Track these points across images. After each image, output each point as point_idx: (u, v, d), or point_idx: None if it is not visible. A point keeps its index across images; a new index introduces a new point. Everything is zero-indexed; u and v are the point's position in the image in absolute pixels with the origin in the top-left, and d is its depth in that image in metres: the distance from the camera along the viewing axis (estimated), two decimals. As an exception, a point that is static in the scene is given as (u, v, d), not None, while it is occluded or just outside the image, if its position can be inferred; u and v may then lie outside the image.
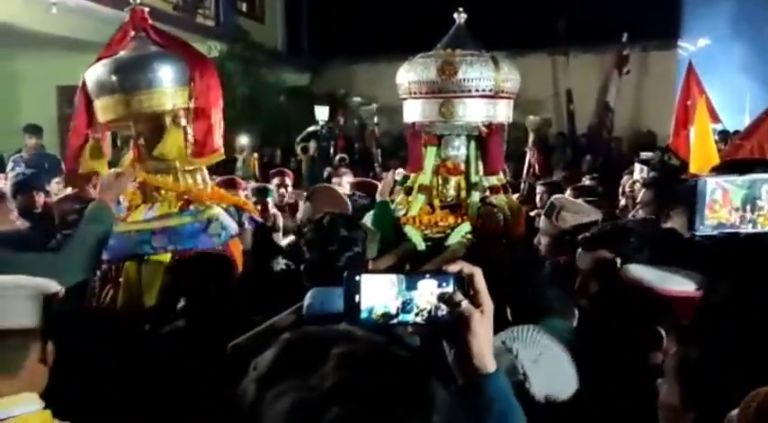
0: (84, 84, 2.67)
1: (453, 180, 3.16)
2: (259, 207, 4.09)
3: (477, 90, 3.04)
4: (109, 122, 2.67)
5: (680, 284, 1.75)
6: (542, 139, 8.98)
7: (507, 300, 1.93)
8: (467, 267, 1.07)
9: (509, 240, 3.10)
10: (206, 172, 2.79)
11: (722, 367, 1.11)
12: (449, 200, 3.16)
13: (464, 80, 3.04)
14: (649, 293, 1.73)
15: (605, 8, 9.87)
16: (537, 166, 7.91)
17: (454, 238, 3.02)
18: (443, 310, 1.06)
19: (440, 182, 3.18)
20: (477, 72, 3.06)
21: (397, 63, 3.67)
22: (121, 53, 2.65)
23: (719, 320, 1.46)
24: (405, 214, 3.15)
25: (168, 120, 2.61)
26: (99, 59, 2.68)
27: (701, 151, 4.96)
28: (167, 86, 2.59)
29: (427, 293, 1.06)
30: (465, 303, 1.04)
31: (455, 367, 1.05)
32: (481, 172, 3.20)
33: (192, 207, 2.62)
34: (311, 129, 8.62)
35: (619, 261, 2.06)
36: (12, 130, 9.66)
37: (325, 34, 12.10)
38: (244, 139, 8.74)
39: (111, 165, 2.85)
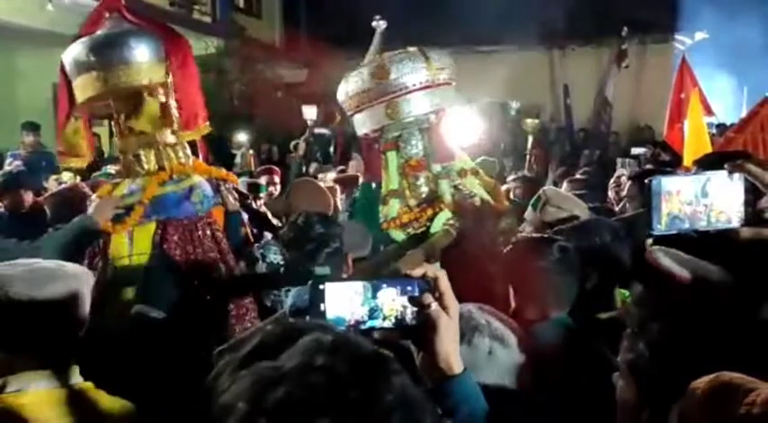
0: (62, 66, 2.71)
1: (422, 176, 3.18)
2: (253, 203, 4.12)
3: (413, 84, 3.07)
4: (88, 100, 2.70)
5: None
6: (542, 136, 9.06)
7: None
8: (430, 271, 1.08)
9: (496, 215, 3.12)
10: (187, 147, 2.81)
11: (675, 363, 1.13)
12: (423, 196, 3.18)
13: (399, 78, 3.06)
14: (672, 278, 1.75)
15: (602, 3, 9.88)
16: (534, 160, 7.98)
17: (436, 227, 3.02)
18: (409, 314, 1.07)
19: (409, 182, 3.20)
20: (408, 68, 3.08)
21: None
22: (97, 32, 2.70)
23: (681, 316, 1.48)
24: (385, 221, 3.16)
25: (145, 94, 2.66)
26: (76, 39, 2.72)
27: (695, 144, 4.98)
28: (143, 61, 2.63)
29: (393, 298, 1.07)
30: (434, 305, 1.05)
31: (423, 370, 1.07)
32: (436, 161, 3.20)
33: (174, 176, 2.67)
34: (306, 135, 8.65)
35: (650, 242, 2.09)
36: (10, 128, 9.70)
37: (322, 30, 12.09)
38: (241, 136, 8.75)
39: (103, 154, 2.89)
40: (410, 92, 3.04)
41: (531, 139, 8.12)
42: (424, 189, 3.18)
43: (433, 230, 3.03)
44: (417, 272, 1.07)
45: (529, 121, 8.47)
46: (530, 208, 3.12)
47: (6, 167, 6.38)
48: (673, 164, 5.71)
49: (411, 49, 3.20)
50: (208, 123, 2.88)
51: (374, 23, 3.56)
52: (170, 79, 2.70)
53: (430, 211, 3.06)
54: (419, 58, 3.10)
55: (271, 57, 11.54)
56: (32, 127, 7.76)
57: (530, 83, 11.08)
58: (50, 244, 2.48)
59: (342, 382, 0.74)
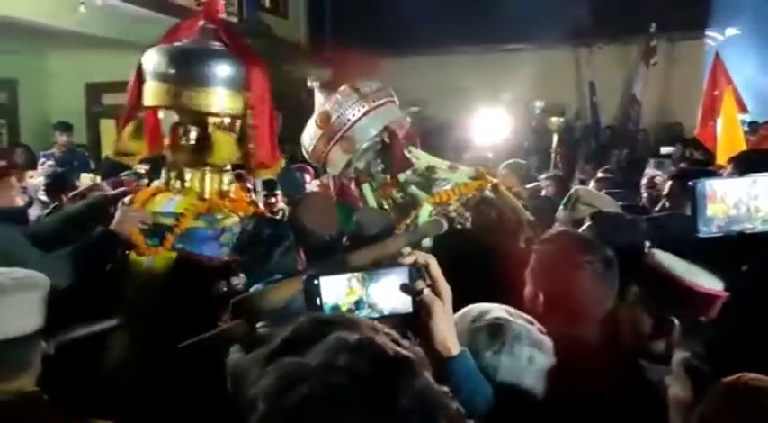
0: (140, 65, 2.65)
1: (394, 191, 3.33)
2: (271, 199, 4.19)
3: (354, 116, 3.24)
4: (154, 107, 2.65)
5: (707, 281, 1.74)
6: (567, 135, 9.00)
7: None
8: (421, 257, 1.12)
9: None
10: (231, 174, 2.77)
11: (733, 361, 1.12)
12: (401, 202, 3.32)
13: (340, 117, 3.24)
14: (672, 282, 1.73)
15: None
16: (560, 158, 7.93)
17: (423, 219, 3.11)
18: (404, 301, 1.10)
19: (389, 201, 3.36)
20: (344, 105, 3.26)
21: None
22: (183, 42, 2.63)
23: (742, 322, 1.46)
24: None
25: (212, 122, 2.60)
26: (164, 39, 2.66)
27: (729, 143, 4.91)
28: (219, 88, 2.55)
29: (386, 287, 1.10)
30: (427, 291, 1.10)
31: None
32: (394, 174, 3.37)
33: (209, 213, 2.59)
34: None
35: (648, 245, 2.07)
36: (43, 128, 9.89)
37: (347, 29, 12.12)
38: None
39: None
40: (354, 123, 3.22)
41: (555, 137, 8.09)
42: (400, 197, 3.34)
43: (420, 222, 3.10)
44: (408, 259, 1.12)
45: (554, 119, 8.43)
46: (561, 208, 3.12)
47: (40, 168, 6.50)
48: (705, 162, 5.62)
49: (342, 88, 3.39)
50: (281, 160, 2.83)
51: (309, 84, 3.83)
52: (249, 114, 2.62)
53: (413, 213, 3.17)
54: (350, 93, 3.32)
55: (296, 56, 11.59)
56: (65, 127, 7.92)
57: (555, 81, 11.00)
58: (67, 260, 2.40)
59: (361, 383, 0.76)
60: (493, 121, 8.57)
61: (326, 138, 3.30)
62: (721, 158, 4.83)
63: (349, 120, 3.21)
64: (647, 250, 1.95)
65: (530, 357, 1.44)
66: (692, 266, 1.82)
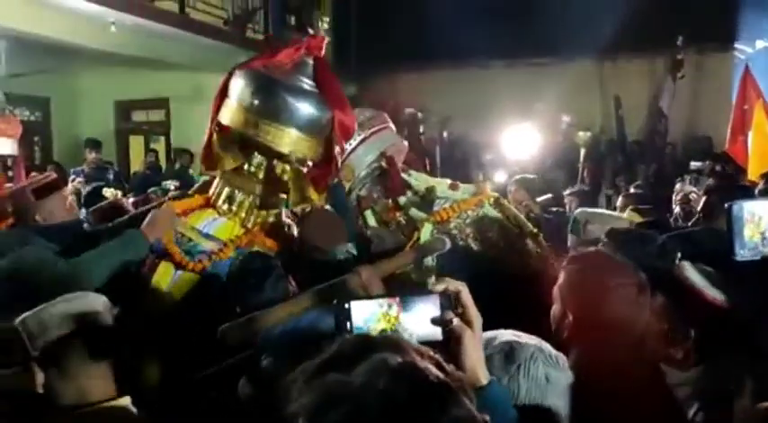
0: (227, 81, 2.61)
1: (397, 214, 3.26)
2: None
3: (351, 144, 3.15)
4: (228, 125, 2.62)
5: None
6: (593, 149, 8.95)
7: None
8: (452, 285, 1.11)
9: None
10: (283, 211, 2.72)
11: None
12: (404, 224, 3.25)
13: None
14: (695, 295, 1.72)
15: (655, 11, 9.69)
16: (586, 173, 7.87)
17: (425, 238, 3.08)
18: (433, 329, 1.09)
19: (394, 223, 3.29)
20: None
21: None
22: (275, 72, 2.57)
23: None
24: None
25: (280, 165, 2.57)
26: (258, 60, 2.64)
27: (760, 157, 4.83)
28: (293, 130, 2.51)
29: (417, 314, 1.10)
30: (456, 321, 1.09)
31: None
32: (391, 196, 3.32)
33: (247, 246, 2.52)
34: None
35: (678, 256, 2.04)
36: (74, 144, 10.10)
37: (372, 45, 12.21)
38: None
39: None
40: (351, 152, 3.15)
41: (582, 151, 8.04)
42: (403, 222, 3.28)
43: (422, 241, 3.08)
44: (439, 287, 1.11)
45: (581, 133, 8.38)
46: (570, 235, 3.09)
47: (70, 185, 6.62)
48: (736, 177, 5.54)
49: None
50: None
51: None
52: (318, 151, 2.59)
53: (416, 233, 3.15)
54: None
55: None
56: (95, 144, 8.09)
57: (581, 95, 10.94)
58: (93, 260, 2.38)
59: (398, 408, 0.75)
60: (521, 136, 8.57)
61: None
62: (753, 174, 4.75)
63: (346, 149, 3.17)
64: (677, 262, 1.93)
65: (547, 376, 1.43)
66: (716, 276, 1.81)
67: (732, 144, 5.45)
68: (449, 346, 1.08)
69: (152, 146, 10.96)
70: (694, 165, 7.84)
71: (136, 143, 11.41)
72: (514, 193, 5.04)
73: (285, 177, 2.60)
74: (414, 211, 3.30)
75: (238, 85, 2.56)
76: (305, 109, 2.52)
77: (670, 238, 2.79)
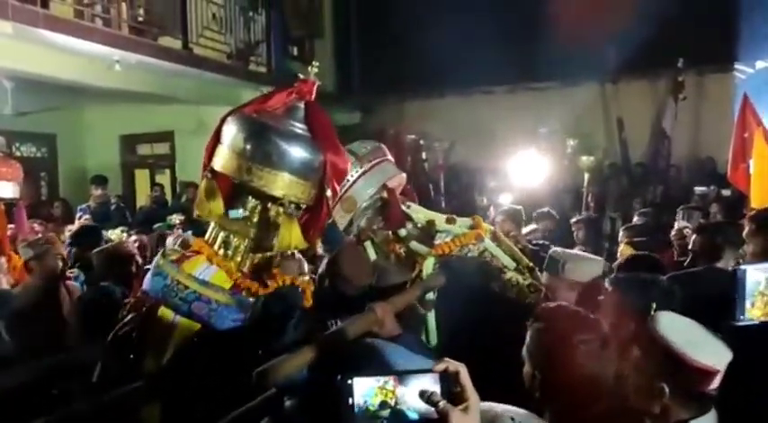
0: (221, 126, 2.66)
1: (397, 246, 3.35)
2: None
3: (352, 176, 3.23)
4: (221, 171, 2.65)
5: (707, 354, 1.71)
6: (598, 173, 8.96)
7: None
8: (452, 365, 1.14)
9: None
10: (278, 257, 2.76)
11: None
12: (404, 256, 3.34)
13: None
14: (667, 352, 1.70)
15: (655, 34, 9.73)
16: (591, 197, 7.86)
17: (428, 271, 3.15)
18: (431, 408, 1.12)
19: (394, 255, 3.35)
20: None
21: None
22: (265, 118, 2.62)
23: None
24: None
25: (274, 209, 2.60)
26: (250, 106, 2.68)
27: (762, 184, 4.81)
28: (286, 174, 2.55)
29: (415, 391, 1.13)
30: (442, 404, 1.11)
31: None
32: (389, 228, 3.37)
33: (242, 291, 2.56)
34: None
35: (654, 307, 2.04)
36: (79, 180, 10.19)
37: (374, 73, 12.31)
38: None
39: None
40: (352, 184, 3.23)
41: (586, 176, 8.04)
42: (403, 255, 3.35)
43: (425, 275, 3.13)
44: (439, 367, 1.14)
45: (584, 158, 8.40)
46: (545, 274, 3.09)
47: (77, 222, 6.68)
48: (739, 204, 5.52)
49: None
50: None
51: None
52: (310, 202, 2.62)
53: (417, 267, 3.20)
54: (348, 156, 3.30)
55: (325, 102, 11.75)
56: (100, 180, 8.17)
57: (583, 118, 10.97)
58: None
59: None
60: (528, 162, 8.59)
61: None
62: (755, 201, 4.74)
63: (348, 181, 3.24)
64: (651, 314, 1.91)
65: None
66: (699, 332, 1.78)
67: (734, 171, 5.44)
68: None
69: (157, 179, 11.05)
70: (699, 190, 7.81)
71: (141, 176, 11.49)
72: (501, 223, 5.09)
73: (279, 221, 2.63)
74: (414, 244, 3.32)
75: (231, 132, 2.60)
76: (297, 153, 2.55)
77: (671, 280, 2.78)
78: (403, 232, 3.37)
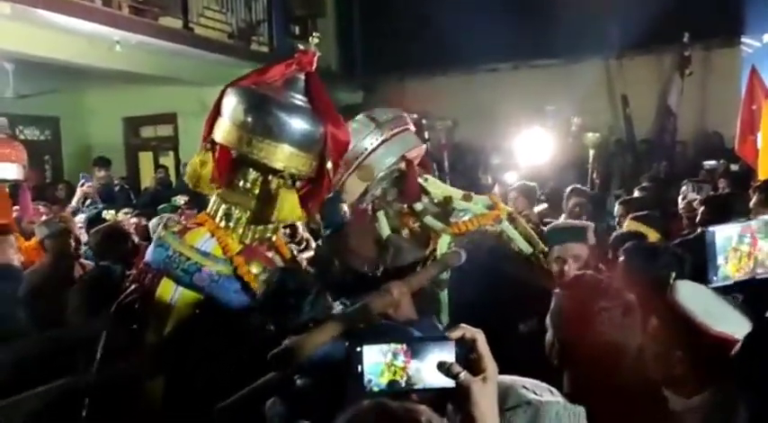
0: (221, 98, 2.66)
1: (411, 220, 3.28)
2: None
3: (371, 144, 3.16)
4: (223, 143, 2.66)
5: (727, 322, 1.69)
6: (603, 150, 8.89)
7: None
8: (468, 332, 1.07)
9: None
10: (281, 228, 2.80)
11: None
12: (417, 231, 3.26)
13: (356, 145, 3.09)
14: (686, 321, 1.69)
15: (661, 8, 9.61)
16: (596, 175, 7.81)
17: (442, 250, 3.06)
18: (446, 376, 1.06)
19: (406, 229, 3.28)
20: (361, 134, 3.18)
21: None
22: (265, 90, 2.62)
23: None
24: None
25: (275, 181, 2.59)
26: (250, 78, 2.68)
27: (770, 157, 4.77)
28: (286, 146, 2.55)
29: (430, 359, 1.07)
30: (463, 375, 1.04)
31: None
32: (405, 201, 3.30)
33: (247, 263, 2.58)
34: None
35: (674, 276, 2.01)
36: (83, 162, 10.17)
37: (376, 53, 12.21)
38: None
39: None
40: (371, 152, 3.17)
41: (591, 153, 7.97)
42: (417, 229, 3.29)
43: (439, 253, 3.05)
44: (455, 334, 1.07)
45: (589, 135, 8.32)
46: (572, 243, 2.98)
47: (79, 189, 6.67)
48: (747, 176, 5.47)
49: (359, 117, 3.34)
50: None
51: None
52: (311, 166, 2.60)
53: (431, 244, 3.13)
54: (367, 122, 3.26)
55: (327, 81, 11.67)
56: (104, 162, 8.13)
57: (588, 95, 10.86)
58: None
59: None
60: (533, 140, 8.52)
61: (344, 166, 3.21)
62: (764, 173, 4.70)
63: (366, 149, 3.17)
64: (671, 282, 1.89)
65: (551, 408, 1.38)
66: (718, 302, 1.76)
67: (741, 144, 5.38)
68: (457, 396, 1.05)
69: (161, 161, 11.02)
70: (708, 164, 7.74)
71: (145, 159, 11.48)
72: (515, 200, 5.02)
73: (280, 193, 2.62)
74: (430, 219, 3.26)
75: (231, 104, 2.59)
76: (297, 124, 2.54)
77: (679, 247, 2.75)
78: (419, 206, 3.30)
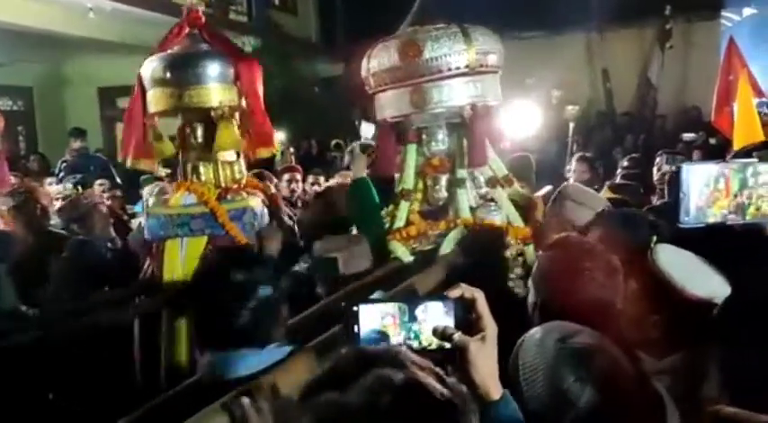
0: (140, 76, 2.84)
1: (443, 179, 2.81)
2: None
3: (448, 69, 2.63)
4: (160, 113, 2.84)
5: (705, 284, 1.70)
6: (583, 123, 8.90)
7: None
8: (467, 292, 1.05)
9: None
10: (243, 163, 2.93)
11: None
12: (439, 203, 2.82)
13: (431, 60, 2.62)
14: (664, 285, 1.69)
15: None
16: (576, 147, 7.83)
17: (447, 248, 2.63)
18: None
19: (427, 184, 2.83)
20: (445, 48, 2.63)
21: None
22: (175, 49, 2.82)
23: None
24: (390, 227, 2.77)
25: (215, 115, 2.78)
26: (155, 53, 2.84)
27: (745, 128, 4.79)
28: (213, 84, 2.74)
29: (428, 319, 1.05)
30: (458, 336, 1.03)
31: None
32: (468, 166, 2.79)
33: (228, 196, 2.77)
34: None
35: (654, 240, 2.01)
36: (58, 134, 10.00)
37: (358, 23, 12.06)
38: (280, 134, 8.80)
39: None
40: (443, 78, 2.64)
41: (571, 125, 7.99)
42: (442, 195, 2.82)
43: (443, 251, 2.64)
44: (455, 293, 1.05)
45: (569, 107, 8.33)
46: (551, 202, 2.86)
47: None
48: (723, 149, 5.51)
49: (452, 25, 2.78)
50: (277, 145, 3.00)
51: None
52: (241, 102, 2.80)
53: (443, 226, 2.71)
54: (459, 37, 2.67)
55: (308, 52, 11.53)
56: (79, 133, 7.98)
57: (569, 68, 10.85)
58: None
59: None
60: (519, 113, 8.48)
61: (400, 74, 2.70)
62: (738, 144, 4.72)
63: (440, 70, 2.62)
64: (651, 246, 1.89)
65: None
66: (698, 266, 1.78)
67: (718, 115, 5.39)
68: (456, 357, 1.03)
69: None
70: (687, 137, 7.79)
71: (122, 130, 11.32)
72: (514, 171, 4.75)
73: (222, 127, 2.75)
74: (462, 197, 2.74)
75: (150, 74, 2.77)
76: (212, 65, 2.74)
77: (650, 213, 2.75)
78: (463, 173, 2.74)
